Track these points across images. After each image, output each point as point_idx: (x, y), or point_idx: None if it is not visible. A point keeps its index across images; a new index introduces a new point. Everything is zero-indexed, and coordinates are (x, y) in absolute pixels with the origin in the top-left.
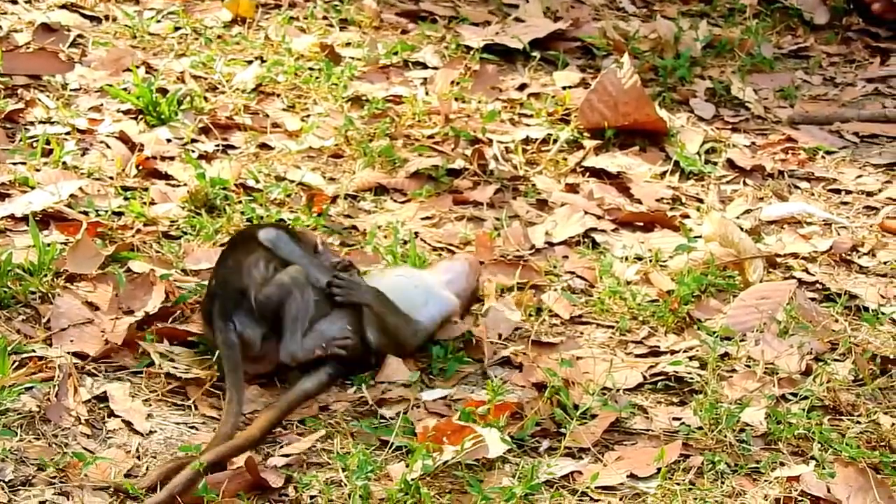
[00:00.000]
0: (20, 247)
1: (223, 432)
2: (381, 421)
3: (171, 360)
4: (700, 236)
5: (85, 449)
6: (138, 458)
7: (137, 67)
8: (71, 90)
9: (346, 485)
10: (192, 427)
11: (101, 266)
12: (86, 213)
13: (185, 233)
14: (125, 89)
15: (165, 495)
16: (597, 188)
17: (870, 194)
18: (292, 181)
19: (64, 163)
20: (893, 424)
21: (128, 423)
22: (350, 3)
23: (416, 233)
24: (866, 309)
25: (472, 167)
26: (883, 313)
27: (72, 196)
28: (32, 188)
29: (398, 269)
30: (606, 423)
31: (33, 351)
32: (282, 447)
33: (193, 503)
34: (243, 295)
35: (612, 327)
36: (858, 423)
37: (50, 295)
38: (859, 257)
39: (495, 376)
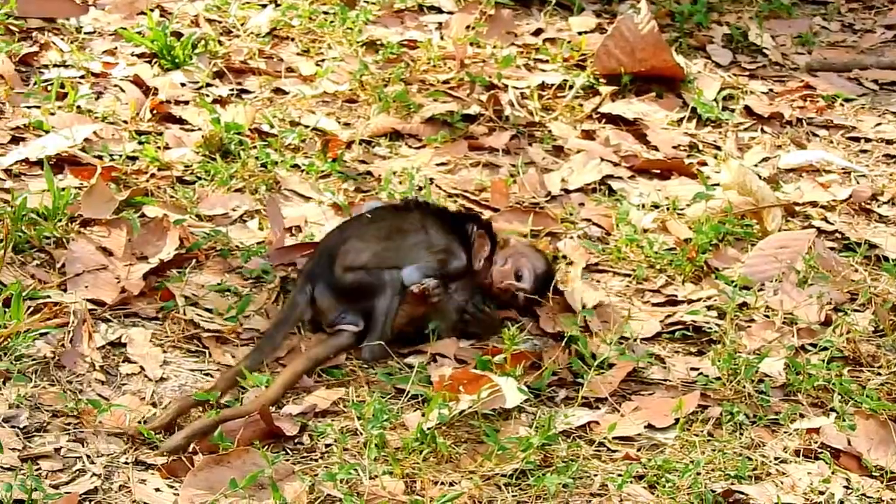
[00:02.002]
0: (35, 191)
1: (230, 373)
2: (397, 370)
3: (195, 305)
4: (718, 184)
5: (99, 395)
6: (153, 404)
7: (151, 10)
8: (85, 33)
9: (361, 433)
10: (206, 374)
11: (115, 211)
12: (100, 157)
13: (200, 178)
14: (139, 33)
15: (182, 440)
16: (613, 135)
17: (889, 142)
18: (307, 126)
19: (78, 107)
20: None
21: (142, 370)
22: None
23: (430, 179)
24: (886, 259)
25: (488, 113)
26: None
27: (86, 140)
28: (47, 132)
29: None
30: (623, 373)
31: (48, 296)
32: (297, 395)
33: (209, 450)
34: (332, 266)
35: (629, 276)
36: (879, 374)
37: (64, 240)
38: (879, 206)
39: (512, 325)
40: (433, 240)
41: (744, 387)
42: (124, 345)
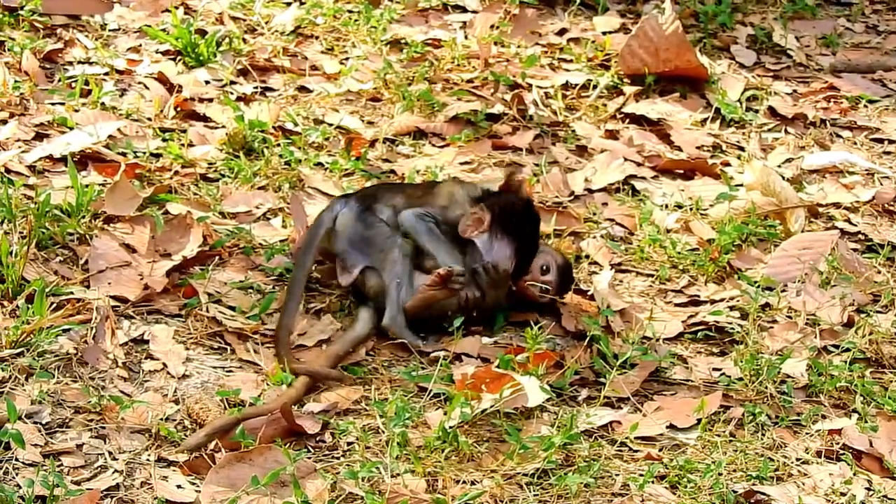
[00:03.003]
0: (58, 187)
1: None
2: (419, 368)
3: (218, 303)
4: (741, 185)
5: (122, 392)
6: (175, 402)
7: (176, 8)
8: (110, 30)
9: (383, 432)
10: (229, 371)
11: (138, 208)
12: (124, 154)
13: (223, 175)
14: (164, 30)
15: (204, 437)
16: (637, 135)
17: None
18: (331, 124)
19: (102, 103)
20: None
21: (164, 367)
22: None
23: (454, 178)
24: None
25: (512, 112)
26: None
27: (110, 137)
28: (71, 129)
29: None
30: (646, 372)
31: (71, 293)
32: (319, 392)
33: (230, 447)
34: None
35: (652, 276)
36: None
37: (88, 236)
38: None
39: (534, 324)
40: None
41: (766, 387)
42: (147, 342)
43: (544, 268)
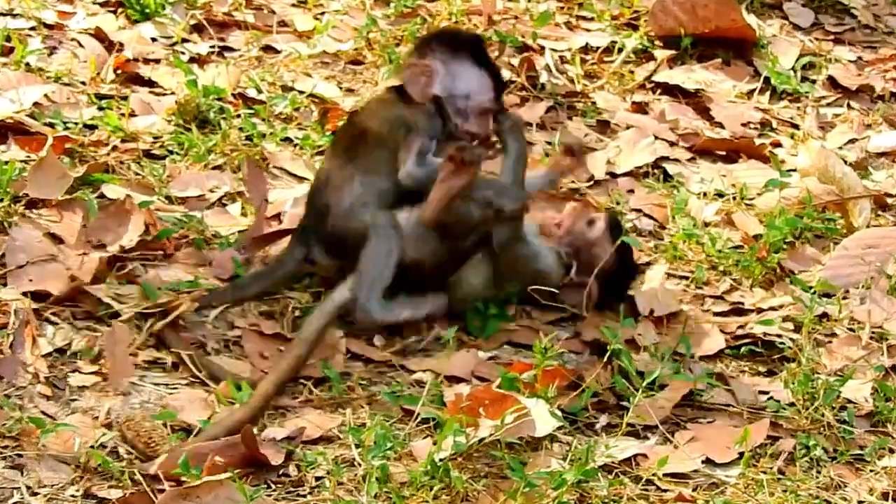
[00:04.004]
0: None
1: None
2: (405, 386)
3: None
4: (794, 169)
5: (43, 413)
6: (108, 425)
7: None
8: None
9: (359, 464)
10: (173, 388)
11: (68, 190)
12: (52, 125)
13: (171, 152)
14: None
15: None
16: (670, 108)
17: None
18: (302, 92)
19: (27, 64)
20: None
21: (96, 383)
22: None
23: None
24: None
25: (520, 80)
26: None
27: (35, 104)
28: None
29: None
30: (678, 395)
31: None
32: (283, 415)
33: (173, 480)
34: (323, 217)
35: (687, 278)
36: None
37: (6, 224)
38: None
39: (545, 336)
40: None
41: (822, 415)
42: (75, 352)
43: (591, 220)
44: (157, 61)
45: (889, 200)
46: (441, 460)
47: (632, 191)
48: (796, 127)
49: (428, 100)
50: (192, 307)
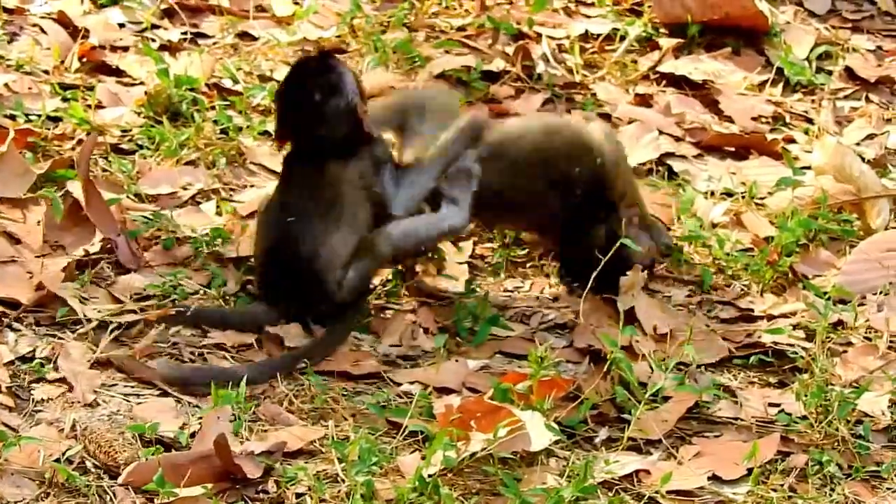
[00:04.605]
0: None
1: None
2: (392, 397)
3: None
4: (809, 167)
5: (6, 426)
6: (74, 437)
7: None
8: None
9: (343, 480)
10: (143, 399)
11: (30, 188)
12: (12, 117)
13: (141, 146)
14: None
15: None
16: (676, 101)
17: None
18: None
19: None
20: None
21: (62, 393)
22: None
23: None
24: None
25: (515, 70)
26: None
27: None
28: None
29: None
30: (683, 408)
31: None
32: (262, 428)
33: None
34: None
35: (693, 283)
36: None
37: None
38: None
39: (541, 344)
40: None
41: (836, 429)
42: (39, 360)
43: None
44: (126, 49)
45: None
46: (430, 476)
47: None
48: (811, 121)
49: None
50: (156, 336)
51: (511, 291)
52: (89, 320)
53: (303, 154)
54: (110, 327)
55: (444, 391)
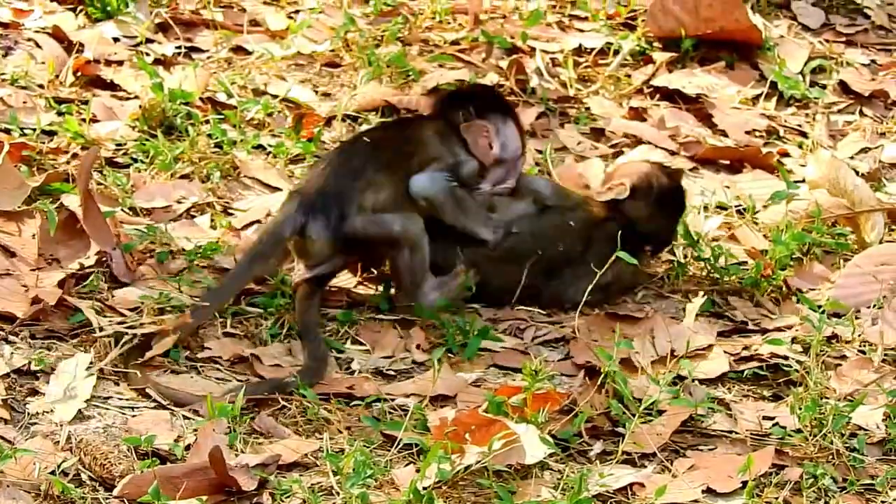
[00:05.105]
0: None
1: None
2: (386, 410)
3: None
4: (803, 181)
5: (1, 438)
6: (70, 450)
7: None
8: None
9: (338, 493)
10: (137, 411)
11: (25, 201)
12: (7, 131)
13: (136, 160)
14: None
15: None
16: (669, 114)
17: None
18: (275, 96)
19: None
20: None
21: (56, 405)
22: None
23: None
24: None
25: (509, 84)
26: None
27: None
28: None
29: None
30: (677, 421)
31: None
32: (257, 441)
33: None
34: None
35: (687, 296)
36: None
37: None
38: None
39: (535, 357)
40: (432, 151)
41: (831, 442)
42: (34, 373)
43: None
44: (120, 63)
45: None
46: (425, 489)
47: None
48: (805, 135)
49: (491, 162)
50: (174, 339)
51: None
52: (102, 329)
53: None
54: (124, 338)
55: (438, 404)
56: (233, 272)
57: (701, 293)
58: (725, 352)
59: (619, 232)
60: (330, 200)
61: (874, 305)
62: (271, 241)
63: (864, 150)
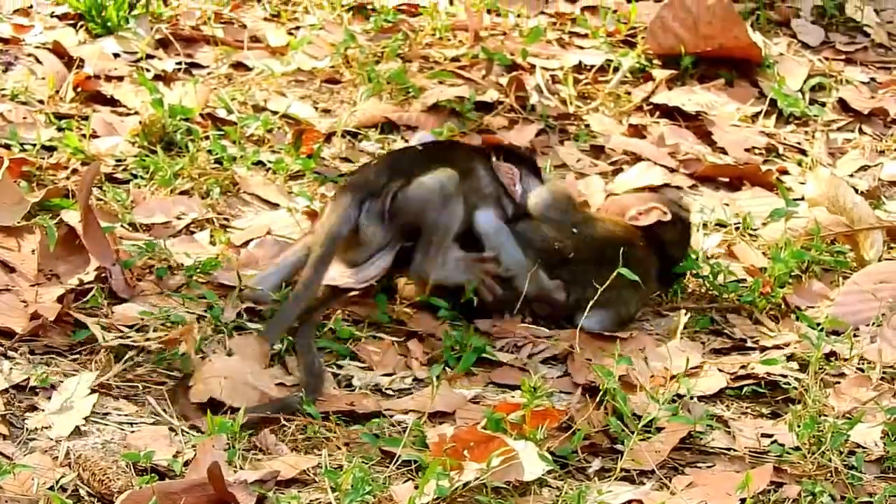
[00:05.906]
0: None
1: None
2: (385, 427)
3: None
4: (802, 198)
5: (0, 454)
6: (68, 465)
7: None
8: None
9: None
10: (137, 427)
11: (25, 216)
12: (7, 146)
13: (135, 176)
14: None
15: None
16: (669, 132)
17: None
18: (275, 112)
19: None
20: None
21: (55, 421)
22: None
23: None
24: None
25: (508, 100)
26: None
27: None
28: None
29: None
30: (676, 438)
31: None
32: (256, 457)
33: None
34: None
35: (687, 313)
36: None
37: None
38: None
39: (534, 374)
40: (482, 183)
41: (829, 460)
42: (33, 388)
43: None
44: (120, 79)
45: None
46: None
47: None
48: (804, 153)
49: (517, 197)
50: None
51: (500, 323)
52: (107, 343)
53: None
54: (128, 354)
55: (437, 421)
56: (302, 284)
57: (684, 311)
58: (720, 370)
59: (656, 256)
60: (381, 189)
61: (873, 323)
62: (332, 244)
63: (864, 168)
